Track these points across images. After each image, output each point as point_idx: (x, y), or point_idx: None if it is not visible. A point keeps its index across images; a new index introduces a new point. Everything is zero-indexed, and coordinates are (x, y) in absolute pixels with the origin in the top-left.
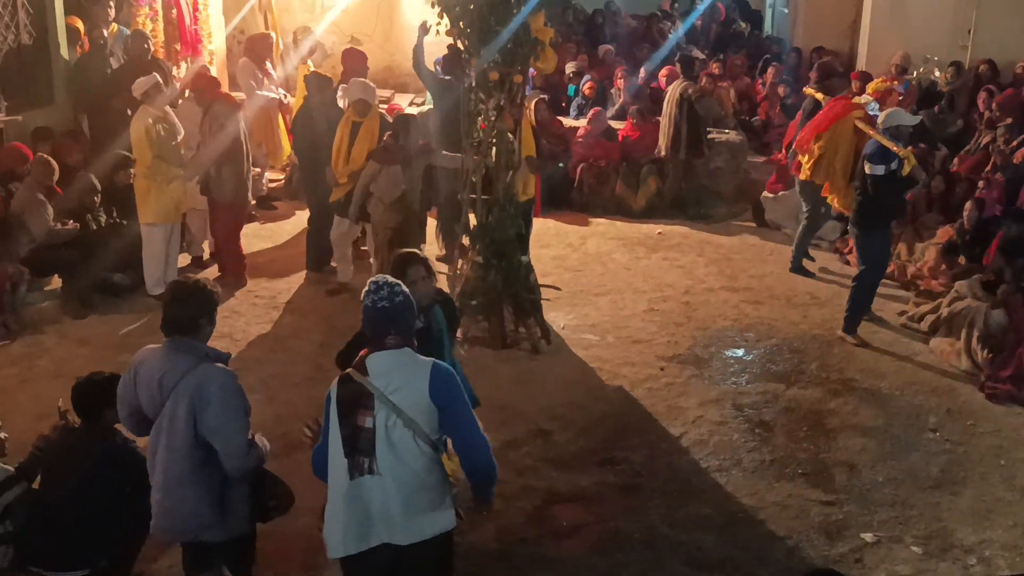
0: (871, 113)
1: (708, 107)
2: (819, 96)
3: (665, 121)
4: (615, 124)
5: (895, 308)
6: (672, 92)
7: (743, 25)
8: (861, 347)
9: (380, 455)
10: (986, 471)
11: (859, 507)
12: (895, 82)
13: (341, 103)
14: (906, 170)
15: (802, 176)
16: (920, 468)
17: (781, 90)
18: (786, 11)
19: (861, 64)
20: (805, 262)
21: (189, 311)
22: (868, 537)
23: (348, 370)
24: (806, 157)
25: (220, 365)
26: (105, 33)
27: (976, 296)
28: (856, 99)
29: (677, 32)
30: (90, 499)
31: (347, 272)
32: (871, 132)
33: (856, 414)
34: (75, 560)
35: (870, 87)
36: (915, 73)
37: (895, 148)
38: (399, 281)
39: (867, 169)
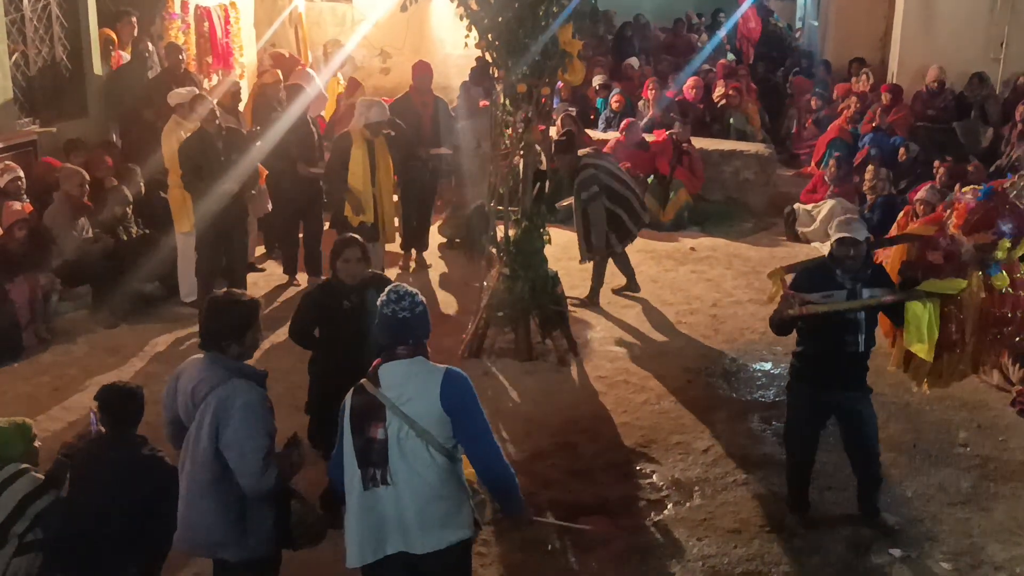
0: None
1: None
2: None
3: None
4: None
5: None
6: None
7: (781, 24)
8: None
9: (393, 466)
10: (1017, 487)
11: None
12: None
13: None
14: None
15: None
16: (950, 484)
17: (814, 103)
18: (816, 24)
19: (892, 77)
20: None
21: (222, 325)
22: (897, 553)
23: (361, 380)
24: None
25: (250, 383)
26: (151, 47)
27: None
28: None
29: (707, 45)
30: (117, 508)
31: None
32: None
33: (885, 428)
34: (103, 569)
35: None
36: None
37: None
38: (416, 291)
39: None
